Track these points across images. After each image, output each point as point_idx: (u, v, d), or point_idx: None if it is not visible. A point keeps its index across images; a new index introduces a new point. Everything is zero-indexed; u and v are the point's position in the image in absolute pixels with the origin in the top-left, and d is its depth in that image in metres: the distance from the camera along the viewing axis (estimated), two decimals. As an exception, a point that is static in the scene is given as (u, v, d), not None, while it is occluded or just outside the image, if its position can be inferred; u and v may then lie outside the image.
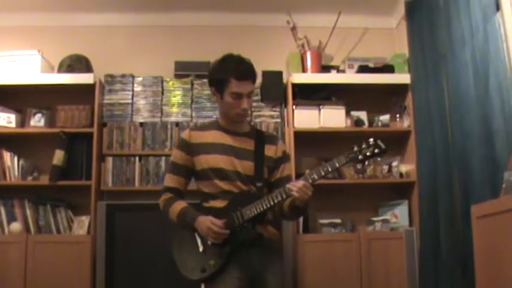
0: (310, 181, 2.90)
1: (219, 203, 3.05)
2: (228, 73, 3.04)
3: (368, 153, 2.90)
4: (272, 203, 2.94)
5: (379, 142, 2.90)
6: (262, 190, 3.06)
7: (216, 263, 2.95)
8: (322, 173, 2.91)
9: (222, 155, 3.07)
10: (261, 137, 3.21)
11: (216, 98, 3.17)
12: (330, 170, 2.91)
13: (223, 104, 3.12)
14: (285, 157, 3.25)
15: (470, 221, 3.23)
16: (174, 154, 3.21)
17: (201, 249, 3.02)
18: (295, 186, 2.88)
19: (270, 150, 3.17)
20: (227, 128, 3.16)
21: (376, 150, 2.90)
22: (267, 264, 3.02)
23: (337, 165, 2.91)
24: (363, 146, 2.91)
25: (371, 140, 2.91)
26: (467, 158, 3.99)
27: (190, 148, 3.13)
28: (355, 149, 2.92)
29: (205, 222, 2.96)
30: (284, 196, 2.93)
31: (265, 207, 2.95)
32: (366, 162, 2.99)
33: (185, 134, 3.21)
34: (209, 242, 3.00)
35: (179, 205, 3.11)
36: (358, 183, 5.14)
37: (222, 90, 3.07)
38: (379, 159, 2.99)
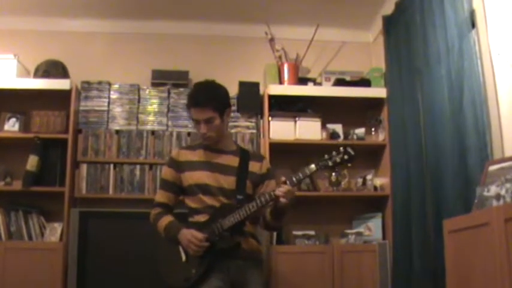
0: (295, 182, 3.04)
1: (202, 217, 3.18)
2: (188, 101, 3.28)
3: (338, 160, 3.04)
4: (249, 212, 3.05)
5: (349, 149, 3.05)
6: (242, 202, 3.14)
7: (197, 272, 3.07)
8: (294, 181, 3.04)
9: (206, 171, 3.23)
10: (245, 155, 3.35)
11: None
12: (301, 177, 3.05)
13: None
14: (269, 174, 3.39)
15: (442, 235, 3.27)
16: (164, 171, 3.41)
17: (183, 259, 3.15)
18: (282, 192, 3.00)
19: (254, 167, 3.32)
20: (213, 147, 3.30)
21: (345, 157, 3.04)
22: (247, 275, 3.14)
23: (307, 172, 3.05)
24: (333, 153, 3.06)
25: (341, 147, 3.06)
26: (441, 173, 4.04)
27: (178, 165, 3.31)
28: (326, 156, 3.07)
29: (187, 235, 3.10)
30: (260, 203, 3.05)
31: (242, 216, 3.07)
32: (336, 169, 3.12)
33: (174, 153, 3.40)
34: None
35: (166, 219, 3.24)
36: (332, 196, 5.16)
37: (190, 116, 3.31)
38: (349, 165, 3.10)
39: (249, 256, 3.17)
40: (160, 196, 3.35)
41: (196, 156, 3.30)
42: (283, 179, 3.12)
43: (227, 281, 3.08)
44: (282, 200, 3.00)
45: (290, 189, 3.01)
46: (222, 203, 3.17)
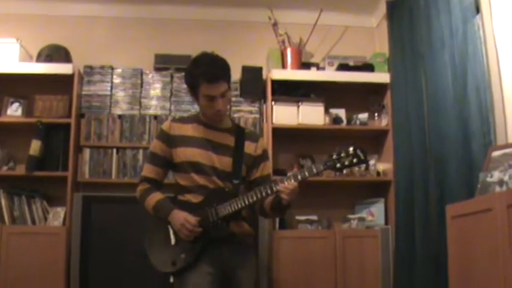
0: (300, 179, 2.91)
1: (194, 198, 3.04)
2: (198, 77, 3.00)
3: (346, 163, 2.92)
4: (247, 203, 2.95)
5: (359, 152, 2.91)
6: (238, 188, 3.05)
7: (187, 257, 2.95)
8: (300, 178, 2.91)
9: (200, 148, 3.05)
10: (241, 133, 3.18)
11: (193, 99, 3.17)
12: (307, 175, 2.91)
13: (199, 105, 3.12)
14: (265, 155, 3.25)
15: (445, 220, 3.27)
16: (154, 144, 3.18)
17: (173, 242, 3.01)
18: (283, 187, 2.88)
19: (249, 147, 3.15)
20: (207, 122, 3.14)
21: (354, 160, 2.91)
22: (239, 260, 3.03)
23: (315, 171, 2.92)
24: (342, 154, 2.92)
25: (351, 149, 2.92)
26: (444, 158, 4.03)
27: (169, 139, 3.10)
28: (334, 156, 2.93)
29: (179, 218, 2.95)
30: (260, 196, 2.94)
31: (240, 206, 2.95)
32: (344, 171, 3.01)
33: (165, 126, 3.17)
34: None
35: (156, 196, 3.08)
36: (335, 181, 5.15)
37: (196, 93, 3.06)
38: (357, 168, 3.00)
39: (242, 242, 3.06)
40: (149, 171, 3.15)
41: (189, 130, 3.11)
42: (289, 174, 3.01)
43: (218, 266, 2.96)
44: (283, 196, 2.89)
45: (293, 186, 2.87)
46: (216, 184, 3.02)
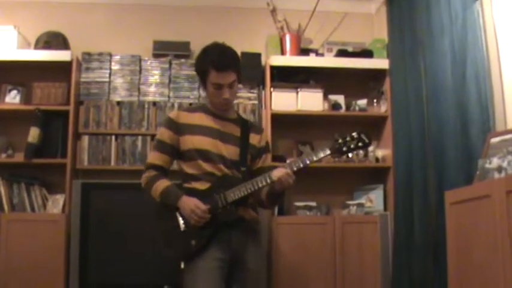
0: (295, 169, 3.00)
1: (200, 185, 3.10)
2: (208, 64, 3.08)
3: (352, 146, 3.02)
4: (256, 187, 3.02)
5: (363, 136, 3.03)
6: (245, 175, 3.12)
7: (197, 243, 3.01)
8: (308, 162, 3.01)
9: (207, 137, 3.13)
10: (246, 125, 3.28)
11: (202, 87, 3.25)
12: (314, 159, 3.02)
13: (207, 93, 3.20)
14: (267, 147, 3.36)
15: (443, 206, 3.28)
16: (161, 132, 3.22)
17: (182, 228, 3.06)
18: (278, 173, 2.97)
19: (254, 139, 3.25)
20: (215, 112, 3.21)
21: (359, 144, 3.03)
22: (246, 245, 3.10)
23: (321, 155, 3.02)
24: (347, 138, 3.03)
25: (355, 133, 3.03)
26: (443, 145, 4.04)
27: (177, 127, 3.16)
28: (340, 140, 3.03)
29: (190, 204, 3.01)
30: (267, 181, 3.01)
31: (249, 190, 3.02)
32: (350, 155, 3.08)
33: (173, 114, 3.24)
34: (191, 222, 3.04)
35: (163, 183, 3.12)
36: (334, 167, 5.15)
37: (204, 81, 3.14)
38: (361, 152, 3.08)
39: (248, 227, 3.14)
40: (156, 158, 3.19)
41: (196, 119, 3.18)
42: (292, 160, 3.07)
43: (227, 252, 3.03)
44: (275, 179, 2.97)
45: (285, 172, 2.96)
46: (223, 172, 3.09)
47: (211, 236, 3.02)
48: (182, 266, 3.08)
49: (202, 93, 5.03)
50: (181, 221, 3.07)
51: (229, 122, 3.23)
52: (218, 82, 3.08)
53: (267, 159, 3.30)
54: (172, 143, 3.17)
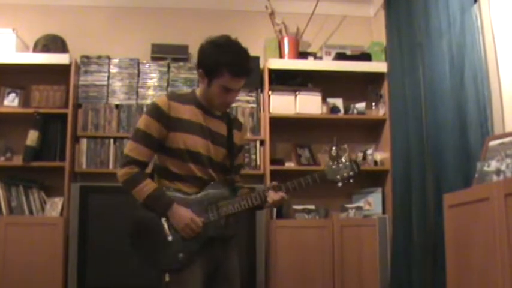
0: (291, 190, 2.92)
1: (186, 188, 2.86)
2: (223, 65, 2.76)
3: (345, 175, 2.96)
4: (251, 205, 2.86)
5: (354, 165, 2.96)
6: (230, 179, 2.99)
7: (185, 257, 2.79)
8: (303, 185, 2.91)
9: (200, 137, 2.86)
10: (230, 121, 3.05)
11: (202, 80, 2.88)
12: (310, 183, 2.92)
13: (208, 90, 2.85)
14: (244, 146, 3.28)
15: (442, 209, 3.28)
16: (148, 123, 2.82)
17: (169, 238, 2.80)
18: (275, 197, 2.86)
19: (236, 137, 3.03)
20: (205, 105, 2.91)
21: (351, 173, 2.96)
22: (229, 257, 2.96)
23: (318, 180, 2.93)
24: (340, 165, 2.96)
25: (347, 162, 2.97)
26: (441, 148, 4.04)
27: (168, 121, 2.82)
28: (334, 167, 2.97)
29: (184, 217, 2.78)
30: (261, 202, 2.88)
31: (242, 207, 2.86)
32: (340, 184, 3.03)
33: (162, 102, 2.85)
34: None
35: (150, 185, 2.82)
36: (332, 170, 5.14)
37: (212, 78, 2.81)
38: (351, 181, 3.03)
39: (233, 241, 2.98)
40: (139, 153, 2.81)
41: (187, 113, 2.85)
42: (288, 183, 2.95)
43: (211, 264, 2.85)
44: (270, 204, 2.89)
45: (281, 197, 2.86)
46: (209, 176, 2.88)
47: (199, 250, 2.80)
48: (167, 278, 2.82)
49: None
50: (167, 230, 2.80)
51: (217, 119, 2.95)
52: (230, 87, 2.80)
53: (241, 157, 3.12)
54: (159, 138, 2.81)
